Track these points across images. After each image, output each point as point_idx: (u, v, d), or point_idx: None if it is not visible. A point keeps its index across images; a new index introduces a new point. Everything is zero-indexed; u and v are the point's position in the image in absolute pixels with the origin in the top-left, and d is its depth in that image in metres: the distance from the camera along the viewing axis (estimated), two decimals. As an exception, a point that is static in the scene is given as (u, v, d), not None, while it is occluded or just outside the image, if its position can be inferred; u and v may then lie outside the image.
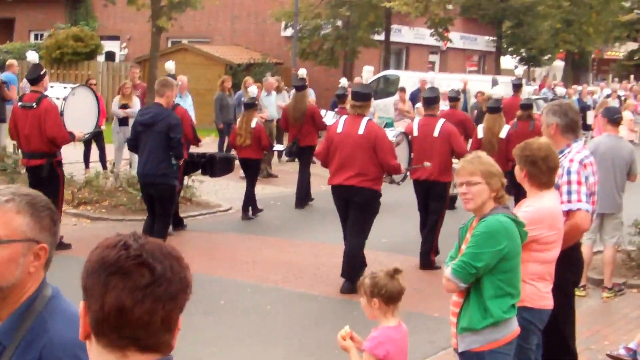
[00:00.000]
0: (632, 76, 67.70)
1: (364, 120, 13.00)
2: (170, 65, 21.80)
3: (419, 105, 21.84)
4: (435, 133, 14.64)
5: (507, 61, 47.75)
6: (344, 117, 13.63)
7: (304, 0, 36.53)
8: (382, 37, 38.62)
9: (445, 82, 30.41)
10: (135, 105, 21.66)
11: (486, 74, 46.68)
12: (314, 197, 20.08)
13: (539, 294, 7.00)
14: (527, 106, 18.19)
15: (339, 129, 13.14)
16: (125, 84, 22.26)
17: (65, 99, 15.84)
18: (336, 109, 21.57)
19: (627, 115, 29.41)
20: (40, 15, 44.24)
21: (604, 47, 65.99)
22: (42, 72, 14.77)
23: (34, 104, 14.16)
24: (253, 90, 20.42)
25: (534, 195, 7.15)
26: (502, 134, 17.20)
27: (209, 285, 12.51)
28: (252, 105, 18.68)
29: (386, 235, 17.00)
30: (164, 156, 13.61)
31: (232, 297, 12.47)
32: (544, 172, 7.08)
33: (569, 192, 7.74)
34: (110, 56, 42.84)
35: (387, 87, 32.92)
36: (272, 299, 12.53)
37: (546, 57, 48.96)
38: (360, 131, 12.84)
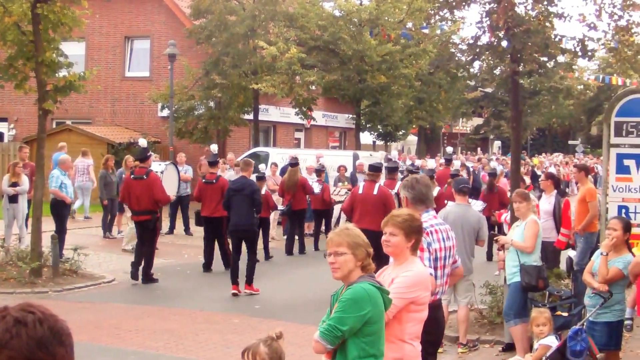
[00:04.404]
0: (478, 148, 69.30)
1: (377, 185, 17.84)
2: (213, 148, 27.08)
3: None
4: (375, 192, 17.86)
5: (366, 137, 48.39)
6: (363, 182, 18.87)
7: (179, 83, 36.49)
8: (251, 116, 38.78)
9: (310, 157, 30.81)
10: (24, 183, 21.36)
11: (347, 149, 47.24)
12: (189, 270, 20.21)
13: (415, 352, 6.99)
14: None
15: (360, 191, 17.79)
16: (17, 164, 21.91)
17: (162, 172, 21.83)
18: (318, 179, 26.17)
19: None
20: None
21: (453, 122, 67.42)
22: (148, 154, 19.84)
23: (144, 176, 18.78)
24: (262, 165, 26.06)
25: (406, 261, 7.16)
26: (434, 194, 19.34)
27: (96, 353, 12.38)
28: (261, 178, 22.39)
29: (259, 302, 17.08)
30: (250, 211, 18.01)
31: (117, 364, 12.35)
32: None
33: None
34: (-2, 136, 42.15)
35: (257, 163, 32.96)
36: (155, 365, 12.46)
37: (401, 133, 49.73)
38: (375, 192, 17.48)
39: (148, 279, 18.93)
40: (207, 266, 20.78)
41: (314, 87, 39.77)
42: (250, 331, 14.04)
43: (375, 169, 18.79)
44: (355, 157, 31.80)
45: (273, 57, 34.96)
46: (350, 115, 45.64)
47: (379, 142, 51.46)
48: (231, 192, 18.27)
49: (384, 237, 7.22)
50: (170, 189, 21.21)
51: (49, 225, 20.77)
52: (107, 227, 26.21)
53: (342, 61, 38.86)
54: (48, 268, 18.56)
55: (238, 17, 35.80)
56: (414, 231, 7.20)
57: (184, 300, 17.15)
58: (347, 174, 29.39)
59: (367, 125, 44.63)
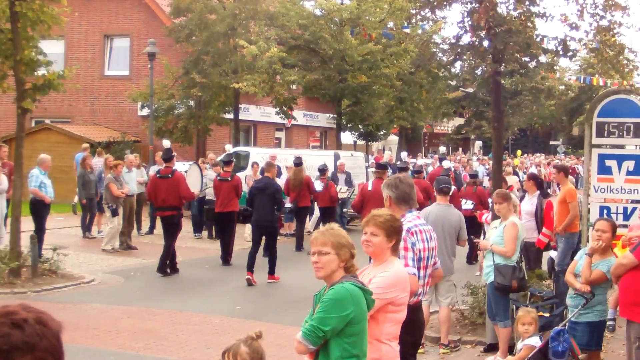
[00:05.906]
0: (460, 149, 69.39)
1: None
2: (228, 148, 30.43)
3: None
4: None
5: (347, 137, 48.38)
6: (372, 179, 21.35)
7: (158, 82, 36.44)
8: (231, 115, 38.75)
9: (290, 157, 30.73)
10: (3, 182, 21.19)
11: (328, 149, 47.24)
12: (169, 270, 20.20)
13: (393, 353, 6.93)
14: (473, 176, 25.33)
15: (370, 187, 19.94)
16: (-5, 163, 21.77)
17: (186, 172, 24.16)
18: (321, 178, 27.23)
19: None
20: None
21: (434, 122, 67.47)
22: (173, 154, 21.66)
23: (170, 175, 20.53)
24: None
25: (385, 261, 7.12)
26: None
27: (74, 354, 12.32)
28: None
29: (240, 302, 17.06)
30: (271, 209, 19.72)
31: (97, 365, 12.31)
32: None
33: None
34: (-25, 136, 41.85)
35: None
36: (135, 366, 12.42)
37: (382, 132, 49.72)
38: None
39: (162, 270, 20.13)
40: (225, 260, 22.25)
41: (294, 87, 39.84)
42: (230, 332, 14.02)
43: (382, 167, 21.27)
44: (336, 157, 31.84)
45: (253, 56, 34.99)
46: (331, 115, 45.63)
47: (360, 142, 51.47)
48: (255, 190, 20.05)
49: (364, 237, 7.17)
50: (194, 187, 23.07)
51: (27, 225, 20.70)
52: (86, 227, 26.15)
53: (323, 60, 38.91)
54: (27, 268, 18.48)
55: (218, 16, 35.79)
56: (395, 231, 7.19)
57: (163, 301, 17.10)
58: (328, 174, 29.42)
59: (348, 125, 44.64)
